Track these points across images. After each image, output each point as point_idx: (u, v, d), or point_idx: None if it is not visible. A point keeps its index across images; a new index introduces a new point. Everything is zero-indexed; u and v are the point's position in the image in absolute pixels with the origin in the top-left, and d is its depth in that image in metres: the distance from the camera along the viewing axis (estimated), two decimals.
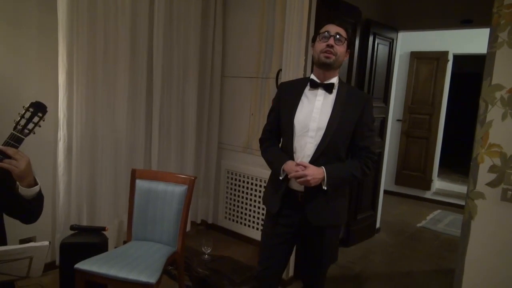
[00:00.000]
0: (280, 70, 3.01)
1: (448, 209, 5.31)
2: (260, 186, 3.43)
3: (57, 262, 2.54)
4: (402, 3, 3.82)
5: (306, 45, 2.66)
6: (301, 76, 2.72)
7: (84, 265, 2.04)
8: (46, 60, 2.59)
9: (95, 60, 2.70)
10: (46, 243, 1.18)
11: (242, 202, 3.59)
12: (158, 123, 3.16)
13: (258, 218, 3.49)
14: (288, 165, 1.72)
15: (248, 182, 3.53)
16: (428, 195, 5.68)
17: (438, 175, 5.86)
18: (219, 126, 3.73)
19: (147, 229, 2.42)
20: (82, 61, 2.61)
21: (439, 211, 5.21)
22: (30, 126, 1.50)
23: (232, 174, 3.67)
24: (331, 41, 1.69)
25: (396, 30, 3.84)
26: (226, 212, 3.76)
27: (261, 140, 1.97)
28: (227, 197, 3.74)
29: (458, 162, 6.89)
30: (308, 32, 2.66)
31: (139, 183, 2.44)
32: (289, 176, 1.72)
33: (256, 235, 3.39)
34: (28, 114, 1.49)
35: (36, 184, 1.47)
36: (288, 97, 1.82)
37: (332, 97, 1.74)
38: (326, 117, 1.71)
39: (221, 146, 3.76)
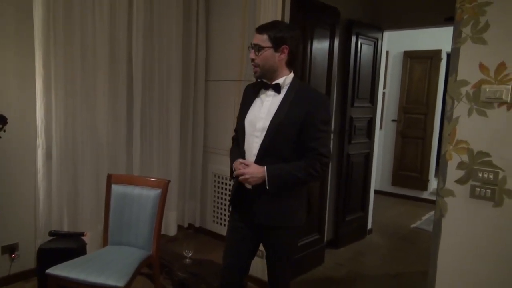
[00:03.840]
0: None
1: None
2: None
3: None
4: (385, 2, 3.80)
5: None
6: None
7: (55, 270, 2.06)
8: (24, 68, 2.62)
9: (73, 67, 2.73)
10: None
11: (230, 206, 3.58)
12: (139, 128, 3.18)
13: None
14: (236, 164, 1.77)
15: None
16: (425, 195, 5.60)
17: (435, 175, 5.78)
18: (204, 130, 3.75)
19: (123, 233, 2.42)
20: (59, 68, 2.65)
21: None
22: None
23: (219, 177, 3.67)
24: (251, 55, 1.72)
25: (381, 29, 3.82)
26: (214, 216, 3.75)
27: (232, 140, 2.02)
28: (214, 201, 3.73)
29: None
30: None
31: (114, 188, 2.45)
32: (234, 174, 1.77)
33: None
34: None
35: None
36: (246, 99, 1.86)
37: (279, 97, 1.74)
38: (271, 117, 1.71)
39: (207, 149, 3.77)
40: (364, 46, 3.63)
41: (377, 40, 3.79)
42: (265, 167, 1.69)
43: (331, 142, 1.82)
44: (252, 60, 1.73)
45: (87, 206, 2.92)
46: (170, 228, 3.55)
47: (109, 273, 2.02)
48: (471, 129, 1.86)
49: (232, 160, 1.82)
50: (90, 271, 2.03)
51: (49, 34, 2.59)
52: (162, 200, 2.36)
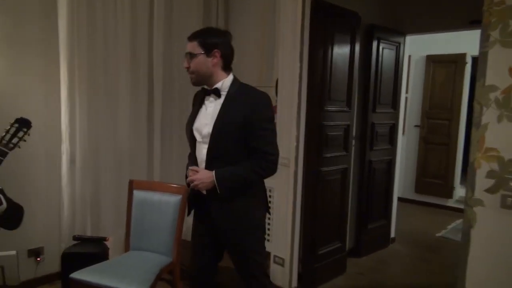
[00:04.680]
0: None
1: None
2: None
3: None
4: (408, 6, 3.73)
5: (300, 53, 2.64)
6: (297, 83, 2.70)
7: (78, 275, 2.09)
8: (49, 76, 2.69)
9: (96, 74, 2.79)
10: (13, 252, 1.22)
11: None
12: (159, 134, 3.21)
13: (267, 229, 3.41)
14: (188, 171, 1.79)
15: None
16: (450, 203, 5.43)
17: (461, 183, 5.60)
18: None
19: (144, 239, 2.44)
20: (83, 75, 2.71)
21: (461, 220, 4.92)
22: (15, 140, 1.57)
23: None
24: (184, 64, 1.76)
25: (403, 33, 3.75)
26: None
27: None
28: None
29: None
30: (302, 40, 2.64)
31: (136, 193, 2.48)
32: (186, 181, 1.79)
33: (267, 246, 3.34)
34: (13, 130, 1.57)
35: (2, 203, 1.56)
36: (193, 107, 1.89)
37: (220, 101, 1.76)
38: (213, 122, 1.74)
39: None
40: (386, 51, 3.57)
41: (399, 44, 3.72)
42: (213, 171, 1.71)
43: (277, 139, 1.83)
44: (187, 68, 1.76)
45: (108, 211, 2.96)
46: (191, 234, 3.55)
47: (131, 279, 2.04)
48: (501, 136, 1.79)
49: (186, 168, 1.86)
50: (113, 277, 2.06)
51: (73, 43, 2.66)
52: (183, 206, 2.37)
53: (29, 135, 1.61)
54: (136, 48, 3.01)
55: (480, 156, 1.86)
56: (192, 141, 1.83)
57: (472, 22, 3.48)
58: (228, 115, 1.71)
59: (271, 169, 1.78)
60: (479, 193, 1.87)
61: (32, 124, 1.62)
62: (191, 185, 1.74)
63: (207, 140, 1.74)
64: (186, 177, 1.83)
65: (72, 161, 2.74)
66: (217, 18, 3.55)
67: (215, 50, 1.72)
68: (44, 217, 2.79)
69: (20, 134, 1.59)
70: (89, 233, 2.87)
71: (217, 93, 1.76)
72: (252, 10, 3.45)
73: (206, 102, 1.81)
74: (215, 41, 1.73)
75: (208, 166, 1.74)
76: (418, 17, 3.71)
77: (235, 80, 1.80)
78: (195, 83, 1.79)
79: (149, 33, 3.08)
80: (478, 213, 1.88)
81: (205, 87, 1.81)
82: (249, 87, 1.83)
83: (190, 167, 1.79)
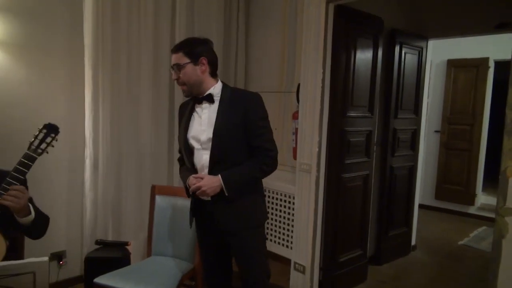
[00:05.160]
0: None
1: None
2: (287, 201, 3.34)
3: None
4: (430, 10, 3.67)
5: (323, 58, 2.62)
6: (320, 88, 2.68)
7: (102, 279, 2.11)
8: (74, 81, 2.74)
9: (119, 80, 2.82)
10: (46, 258, 1.22)
11: (271, 219, 3.52)
12: None
13: (287, 235, 3.38)
14: (190, 180, 1.77)
15: (274, 198, 3.47)
16: (472, 210, 5.30)
17: (483, 189, 5.47)
18: None
19: (166, 244, 2.45)
20: (107, 81, 2.74)
21: (484, 227, 4.84)
22: (43, 146, 1.58)
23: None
24: (174, 76, 1.77)
25: (426, 38, 3.69)
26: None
27: (178, 161, 2.05)
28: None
29: None
30: (325, 45, 2.62)
31: (158, 199, 2.50)
32: (190, 191, 1.76)
33: (285, 252, 3.33)
34: (41, 135, 1.58)
35: (30, 213, 1.58)
36: (182, 117, 1.90)
37: (215, 106, 1.78)
38: (212, 127, 1.75)
39: None
40: (408, 56, 3.51)
41: (422, 49, 3.67)
42: (219, 175, 1.72)
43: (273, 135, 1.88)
44: (177, 80, 1.77)
45: (130, 215, 2.97)
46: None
47: (154, 285, 2.04)
48: None
49: (185, 179, 1.83)
50: (136, 282, 2.06)
51: (98, 49, 2.69)
52: None
53: (56, 140, 1.62)
54: (158, 54, 3.03)
55: None
56: (188, 150, 1.84)
57: (498, 26, 3.41)
58: (226, 118, 1.74)
59: (274, 165, 1.84)
60: (511, 202, 1.82)
61: (60, 130, 1.63)
62: (198, 192, 1.72)
63: (207, 145, 1.76)
64: (186, 188, 1.83)
65: (95, 165, 2.77)
66: (237, 22, 3.55)
67: (202, 57, 1.76)
68: (67, 221, 2.82)
69: (48, 139, 1.60)
70: (110, 237, 2.89)
71: (210, 99, 1.79)
72: (273, 15, 3.44)
73: (197, 110, 1.84)
74: (200, 49, 1.77)
75: (211, 171, 1.76)
76: (441, 21, 3.65)
77: (225, 85, 1.85)
78: (188, 95, 1.82)
79: (171, 39, 3.10)
80: (510, 222, 1.82)
81: (196, 94, 1.82)
82: (240, 90, 1.92)
83: (192, 175, 1.77)
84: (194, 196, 1.79)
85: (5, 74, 2.49)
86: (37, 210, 1.65)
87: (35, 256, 1.24)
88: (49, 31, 2.63)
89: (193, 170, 1.83)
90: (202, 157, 1.79)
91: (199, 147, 1.79)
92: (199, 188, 1.70)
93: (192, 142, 1.81)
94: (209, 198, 1.77)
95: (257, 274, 1.90)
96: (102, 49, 2.70)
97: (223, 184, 1.72)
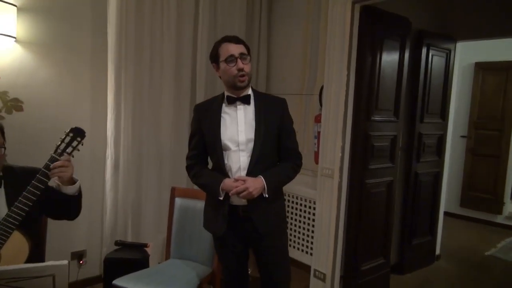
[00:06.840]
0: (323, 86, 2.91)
1: None
2: (308, 206, 3.27)
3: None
4: (459, 11, 3.54)
5: (348, 59, 2.55)
6: (344, 91, 2.61)
7: (121, 282, 2.10)
8: (97, 81, 2.76)
9: (141, 80, 2.82)
10: (65, 262, 1.20)
11: (290, 223, 3.46)
12: None
13: (307, 241, 3.31)
14: (226, 184, 1.71)
15: (294, 202, 3.41)
16: (499, 219, 5.09)
17: None
18: None
19: (185, 247, 2.43)
20: (129, 82, 2.75)
21: None
22: (69, 149, 1.58)
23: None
24: (240, 64, 1.71)
25: (454, 40, 3.56)
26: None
27: (189, 167, 1.94)
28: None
29: None
30: (350, 47, 2.55)
31: (178, 201, 2.48)
32: (230, 194, 1.70)
33: (306, 259, 3.26)
34: (68, 139, 1.58)
35: (76, 181, 1.67)
36: (208, 118, 1.82)
37: (251, 108, 1.77)
38: (251, 128, 1.74)
39: None
40: (435, 58, 3.39)
41: (450, 51, 3.53)
42: (261, 176, 1.72)
43: None
44: (242, 69, 1.72)
45: (149, 217, 2.97)
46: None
47: None
48: None
49: (214, 183, 1.75)
50: (154, 285, 2.04)
51: (121, 51, 2.70)
52: None
53: (82, 144, 1.62)
54: (180, 55, 3.02)
55: None
56: (220, 152, 1.76)
57: None
58: (266, 120, 1.75)
59: (301, 166, 1.90)
60: None
61: (86, 134, 1.62)
62: (243, 194, 1.66)
63: (245, 147, 1.73)
64: (217, 192, 1.74)
65: (116, 166, 2.77)
66: (259, 22, 3.52)
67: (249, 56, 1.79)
68: (88, 221, 2.84)
69: (74, 143, 1.60)
70: (129, 238, 2.89)
71: (247, 100, 1.78)
72: (296, 14, 3.38)
73: (228, 111, 1.79)
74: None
75: (250, 173, 1.73)
76: (470, 22, 3.51)
77: (253, 88, 1.86)
78: (246, 86, 1.77)
79: (194, 40, 3.09)
80: None
81: (230, 94, 1.79)
82: (266, 94, 1.98)
83: (235, 177, 1.72)
84: (223, 202, 1.75)
85: (33, 73, 2.52)
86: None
87: (56, 255, 1.24)
88: (74, 31, 2.66)
89: (225, 172, 1.76)
90: (240, 159, 1.75)
91: (236, 148, 1.75)
92: (245, 189, 1.65)
93: (227, 143, 1.75)
94: (245, 202, 1.74)
95: (282, 276, 1.90)
96: (125, 49, 2.71)
97: (266, 186, 1.71)
